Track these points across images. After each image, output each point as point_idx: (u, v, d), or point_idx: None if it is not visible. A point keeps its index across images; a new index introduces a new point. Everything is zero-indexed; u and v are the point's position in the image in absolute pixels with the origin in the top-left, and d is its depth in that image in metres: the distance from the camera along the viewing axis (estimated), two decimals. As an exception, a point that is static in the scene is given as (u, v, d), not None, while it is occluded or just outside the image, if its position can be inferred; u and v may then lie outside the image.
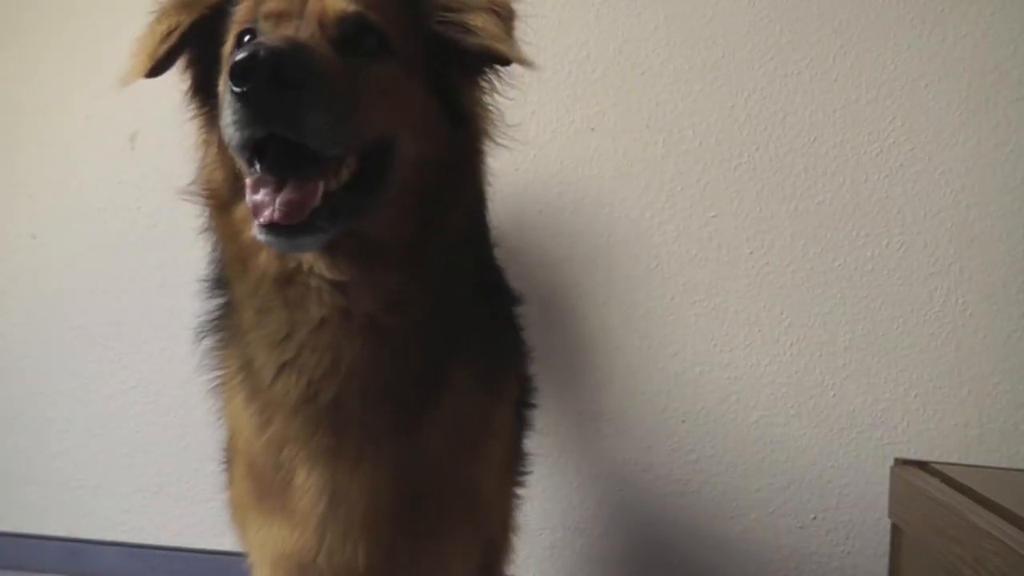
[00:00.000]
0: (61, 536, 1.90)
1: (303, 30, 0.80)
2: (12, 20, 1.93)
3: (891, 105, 1.60)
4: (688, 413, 1.67)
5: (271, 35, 0.79)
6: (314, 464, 0.90)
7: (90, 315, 1.89)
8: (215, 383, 1.03)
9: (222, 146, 0.87)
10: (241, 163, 0.81)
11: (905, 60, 1.59)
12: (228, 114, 0.73)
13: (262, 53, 0.69)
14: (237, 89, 0.70)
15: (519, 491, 1.18)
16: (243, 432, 0.98)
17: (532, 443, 1.22)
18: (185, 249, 1.08)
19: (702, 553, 1.66)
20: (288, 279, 0.85)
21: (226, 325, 0.99)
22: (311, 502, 0.90)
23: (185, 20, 0.89)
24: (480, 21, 0.87)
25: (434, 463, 0.93)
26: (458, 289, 0.94)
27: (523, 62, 0.88)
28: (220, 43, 0.90)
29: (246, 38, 0.85)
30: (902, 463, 1.36)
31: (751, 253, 1.64)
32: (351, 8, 0.82)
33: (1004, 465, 1.54)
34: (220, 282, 0.98)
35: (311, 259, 0.84)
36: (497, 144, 0.96)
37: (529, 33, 0.92)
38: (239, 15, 0.87)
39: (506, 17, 0.89)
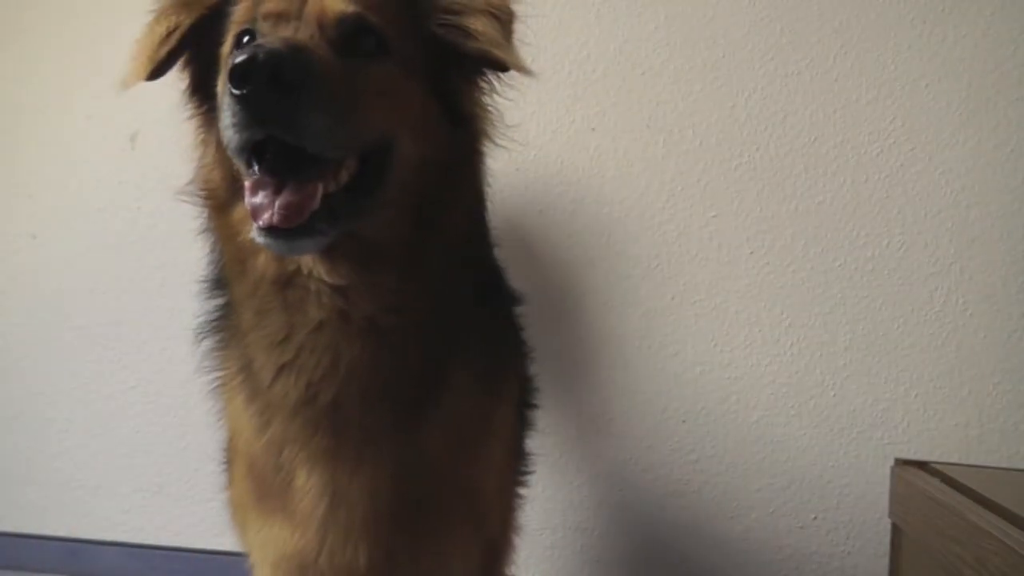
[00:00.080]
0: (61, 536, 1.90)
1: (302, 31, 0.80)
2: (12, 20, 1.93)
3: (891, 105, 1.60)
4: (688, 413, 1.67)
5: (270, 37, 0.78)
6: (314, 465, 0.90)
7: (90, 315, 1.89)
8: (215, 384, 1.03)
9: (220, 146, 0.87)
10: (240, 165, 0.80)
11: (905, 60, 1.59)
12: (227, 116, 0.73)
13: (261, 56, 0.68)
14: (236, 91, 0.70)
15: (521, 491, 1.18)
16: (243, 433, 0.98)
17: (533, 443, 1.22)
18: (185, 249, 1.08)
19: (702, 553, 1.66)
20: (287, 281, 0.85)
21: (226, 326, 0.99)
22: (311, 503, 0.90)
23: (185, 21, 0.88)
24: (479, 25, 0.87)
25: (434, 463, 0.93)
26: (458, 289, 0.93)
27: (522, 70, 0.88)
28: (218, 43, 0.89)
29: (245, 39, 0.85)
30: (902, 463, 1.36)
31: (751, 253, 1.64)
32: (350, 9, 0.82)
33: (1004, 465, 1.54)
34: (219, 283, 0.98)
35: (310, 262, 0.84)
36: (497, 145, 0.96)
37: (529, 33, 0.92)
38: (238, 15, 0.87)
39: (505, 21, 0.89)
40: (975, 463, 1.53)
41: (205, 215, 0.94)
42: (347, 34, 0.82)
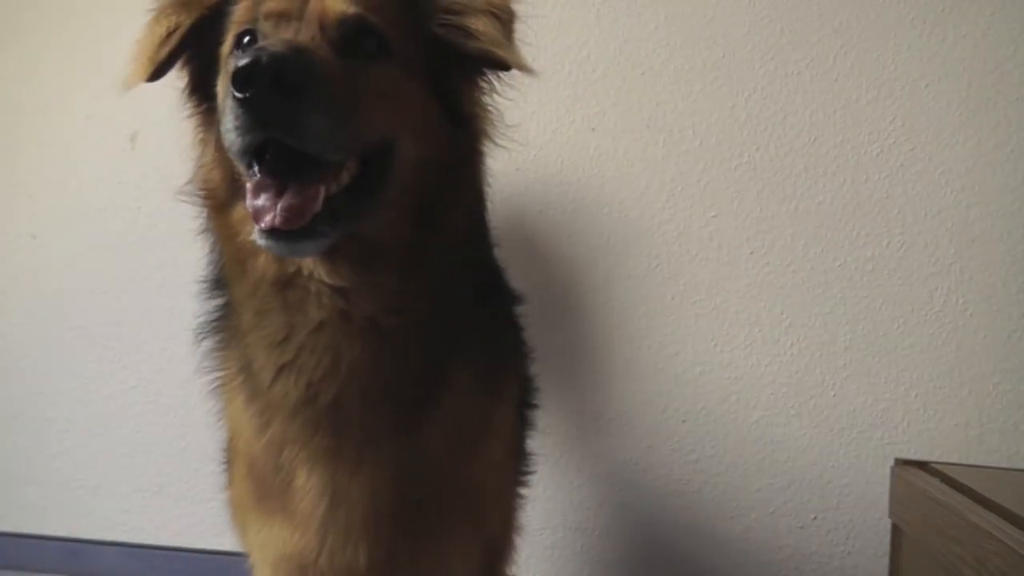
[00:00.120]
0: (61, 536, 1.90)
1: (303, 32, 0.80)
2: (12, 20, 1.93)
3: (891, 105, 1.60)
4: (688, 413, 1.67)
5: (272, 39, 0.78)
6: (314, 465, 0.90)
7: (90, 315, 1.89)
8: (215, 384, 1.03)
9: (220, 146, 0.87)
10: (241, 167, 0.80)
11: (905, 60, 1.59)
12: (229, 119, 0.73)
13: (264, 59, 0.68)
14: (239, 95, 0.69)
15: (522, 491, 1.17)
16: (243, 433, 0.98)
17: (533, 443, 1.22)
18: (185, 249, 1.08)
19: (702, 553, 1.66)
20: (287, 282, 0.85)
21: (226, 326, 0.99)
22: (312, 503, 0.90)
23: (185, 21, 0.88)
24: (481, 25, 0.87)
25: (434, 463, 0.93)
26: (458, 290, 0.93)
27: (523, 68, 0.88)
28: (218, 43, 0.89)
29: (245, 39, 0.84)
30: (902, 463, 1.36)
31: (751, 253, 1.64)
32: (351, 10, 0.82)
33: (1004, 465, 1.54)
34: (219, 283, 0.98)
35: (311, 263, 0.83)
36: (497, 145, 0.96)
37: (529, 33, 0.92)
38: (238, 15, 0.87)
39: (506, 20, 0.89)
40: (975, 463, 1.53)
41: (204, 215, 0.94)
42: (348, 35, 0.82)
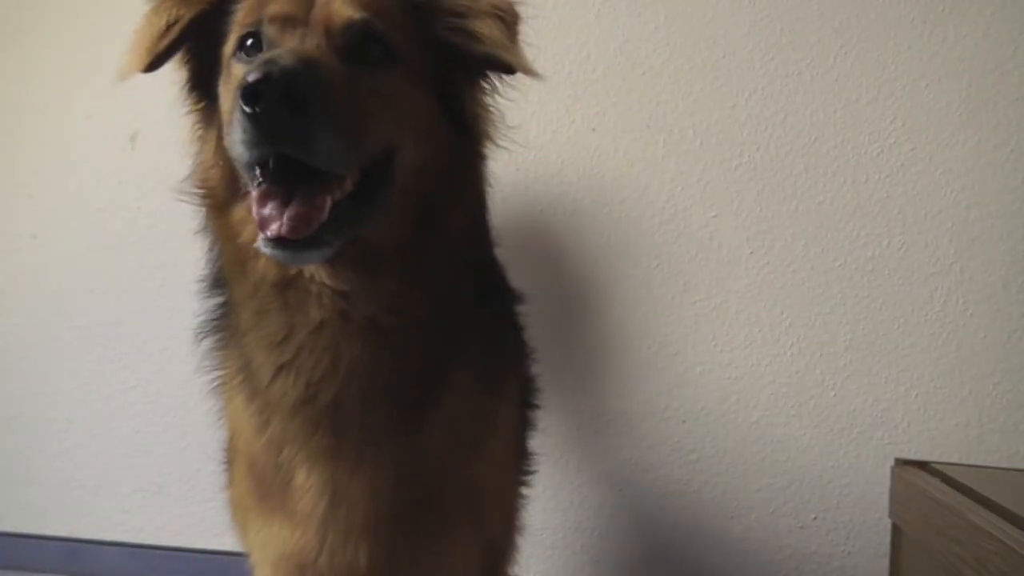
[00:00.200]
0: (61, 536, 1.90)
1: (309, 39, 0.79)
2: (12, 20, 1.93)
3: (892, 105, 1.60)
4: (689, 413, 1.67)
5: (280, 48, 0.77)
6: (314, 464, 0.90)
7: (90, 315, 1.89)
8: (215, 383, 1.03)
9: (220, 145, 0.87)
10: (246, 176, 0.80)
11: (906, 60, 1.59)
12: (238, 132, 0.72)
13: (275, 74, 0.68)
14: (248, 110, 0.69)
15: (524, 490, 1.17)
16: (243, 433, 0.98)
17: (534, 443, 1.22)
18: (185, 249, 1.08)
19: (703, 553, 1.66)
20: (288, 283, 0.85)
21: (225, 325, 0.98)
22: (311, 502, 0.90)
23: (185, 15, 0.87)
24: (486, 28, 0.87)
25: (435, 463, 0.93)
26: (458, 290, 0.93)
27: (529, 72, 0.88)
28: (219, 39, 0.89)
29: (248, 42, 0.84)
30: (902, 463, 1.36)
31: (751, 253, 1.64)
32: (358, 15, 0.81)
33: (1004, 465, 1.54)
34: (218, 281, 0.98)
35: (312, 267, 0.83)
36: (498, 146, 0.96)
37: (530, 33, 0.92)
38: (241, 16, 0.86)
39: (511, 23, 0.89)
40: (975, 463, 1.53)
41: (203, 214, 0.93)
42: (354, 41, 0.81)
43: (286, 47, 0.78)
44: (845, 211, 1.62)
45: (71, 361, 1.90)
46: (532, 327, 1.16)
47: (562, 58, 1.69)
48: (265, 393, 0.90)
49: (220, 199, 0.89)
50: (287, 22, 0.81)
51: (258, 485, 0.96)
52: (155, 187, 1.83)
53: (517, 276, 1.12)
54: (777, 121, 1.63)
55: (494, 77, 0.94)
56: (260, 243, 0.75)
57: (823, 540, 1.62)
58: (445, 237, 0.89)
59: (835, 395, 1.62)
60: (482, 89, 0.94)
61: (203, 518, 1.83)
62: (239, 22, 0.86)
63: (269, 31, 0.82)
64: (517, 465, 1.15)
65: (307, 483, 0.90)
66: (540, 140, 1.69)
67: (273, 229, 0.73)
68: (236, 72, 0.84)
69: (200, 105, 0.94)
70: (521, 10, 0.91)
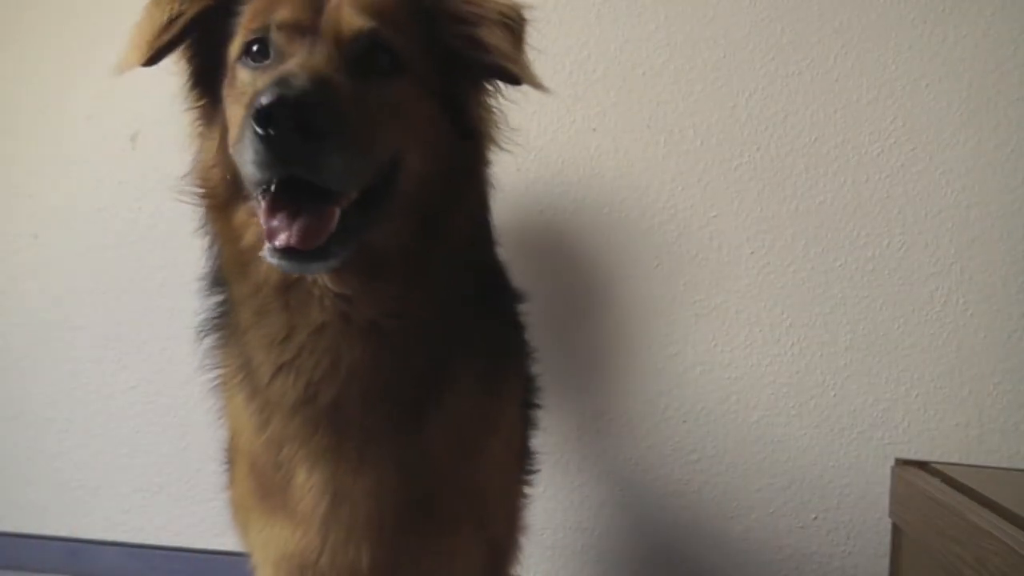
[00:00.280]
0: (61, 536, 1.90)
1: (319, 50, 0.79)
2: (12, 20, 1.92)
3: (892, 105, 1.60)
4: (689, 413, 1.67)
5: (292, 64, 0.76)
6: (314, 464, 0.90)
7: (90, 315, 1.89)
8: (215, 382, 1.03)
9: (222, 145, 0.87)
10: (253, 191, 0.79)
11: (906, 60, 1.59)
12: (249, 152, 0.71)
13: (291, 97, 0.68)
14: (261, 132, 0.69)
15: (527, 490, 1.17)
16: (244, 432, 0.98)
17: (536, 442, 1.22)
18: (185, 249, 1.08)
19: (703, 553, 1.66)
20: (290, 286, 0.85)
21: (225, 323, 0.98)
22: (312, 502, 0.90)
23: (189, 10, 0.86)
24: (494, 39, 0.87)
25: (436, 464, 0.93)
26: (460, 291, 0.93)
27: (537, 86, 0.88)
28: (223, 38, 0.88)
29: (255, 47, 0.83)
30: (903, 463, 1.36)
31: (752, 253, 1.64)
32: (367, 25, 0.81)
33: (1004, 465, 1.54)
34: (218, 279, 0.97)
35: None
36: (502, 150, 0.96)
37: (531, 34, 0.92)
38: (248, 18, 0.85)
39: (518, 30, 0.89)
40: (975, 463, 1.53)
41: (203, 213, 0.93)
42: (362, 50, 0.81)
43: (296, 60, 0.77)
44: (845, 211, 1.62)
45: (71, 361, 1.90)
46: (532, 327, 1.16)
47: (562, 58, 1.69)
48: (265, 392, 0.90)
49: (221, 199, 0.89)
50: (295, 30, 0.81)
51: (259, 485, 0.96)
52: (155, 187, 1.82)
53: (517, 276, 1.12)
54: (777, 121, 1.63)
55: (500, 84, 0.94)
56: (266, 253, 0.75)
57: (823, 540, 1.62)
58: (447, 240, 0.89)
59: (835, 395, 1.62)
60: (486, 91, 0.94)
61: (203, 518, 1.83)
62: (245, 25, 0.85)
63: (277, 39, 0.81)
64: (519, 465, 1.15)
65: (308, 483, 0.90)
66: (540, 140, 1.69)
67: (282, 239, 0.73)
68: (242, 77, 0.84)
69: (201, 102, 0.93)
70: (528, 14, 0.91)
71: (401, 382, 0.89)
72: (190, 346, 1.02)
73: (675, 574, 1.67)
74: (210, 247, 0.96)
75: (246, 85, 0.83)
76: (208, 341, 1.01)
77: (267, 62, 0.82)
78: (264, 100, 0.68)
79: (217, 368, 1.01)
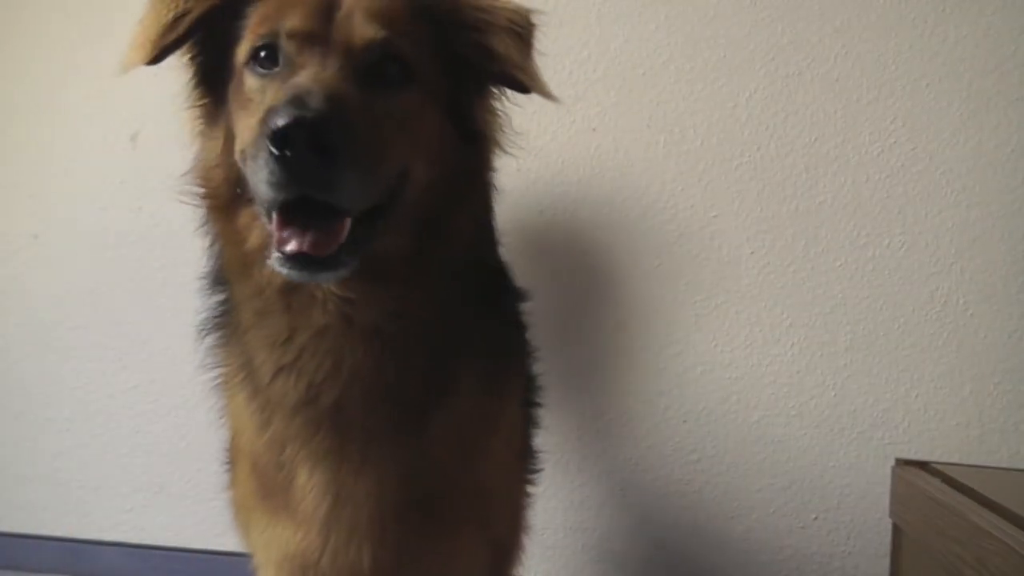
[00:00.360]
0: (62, 536, 1.90)
1: (330, 62, 0.78)
2: (12, 19, 1.92)
3: (892, 105, 1.60)
4: (689, 413, 1.67)
5: (306, 80, 0.76)
6: (316, 464, 0.90)
7: (90, 315, 1.88)
8: (216, 381, 1.02)
9: (227, 147, 0.86)
10: (263, 208, 0.79)
11: (906, 60, 1.59)
12: (262, 172, 0.72)
13: (309, 119, 0.68)
14: (276, 152, 0.69)
15: (529, 489, 1.17)
16: (246, 431, 0.98)
17: (537, 442, 1.22)
18: (186, 249, 1.08)
19: (703, 553, 1.66)
20: (293, 288, 0.85)
21: (227, 322, 0.98)
22: (314, 502, 0.90)
23: (195, 9, 0.85)
24: (503, 47, 0.86)
25: (439, 464, 0.93)
26: (462, 293, 0.93)
27: (546, 95, 0.88)
28: (229, 39, 0.87)
29: (263, 53, 0.82)
30: (903, 463, 1.36)
31: (752, 253, 1.64)
32: (379, 35, 0.80)
33: (1005, 465, 1.54)
34: (220, 278, 0.97)
35: None
36: (507, 153, 0.96)
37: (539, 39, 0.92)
38: (256, 22, 0.84)
39: (526, 37, 0.89)
40: (976, 463, 1.53)
41: (205, 214, 0.93)
42: (373, 61, 0.81)
43: (309, 74, 0.77)
44: (845, 211, 1.62)
45: (71, 361, 1.90)
46: (533, 327, 1.16)
47: (562, 58, 1.69)
48: (266, 392, 0.90)
49: (223, 200, 0.88)
50: (306, 39, 0.80)
51: (261, 485, 0.96)
52: (156, 187, 1.81)
53: (517, 276, 1.12)
54: (778, 121, 1.63)
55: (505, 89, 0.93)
56: (275, 262, 0.75)
57: (824, 540, 1.62)
58: (450, 243, 0.89)
59: (836, 395, 1.62)
60: (491, 95, 0.94)
61: (204, 518, 1.83)
62: (253, 30, 0.84)
63: (287, 47, 0.81)
64: (521, 464, 1.15)
65: (309, 483, 0.90)
66: (540, 140, 1.69)
67: (293, 245, 0.74)
68: (250, 84, 0.83)
69: (204, 101, 0.92)
70: (536, 19, 0.91)
71: (403, 383, 0.89)
72: (190, 346, 1.02)
73: (675, 574, 1.67)
74: (211, 247, 0.96)
75: (254, 92, 0.82)
76: (209, 340, 1.01)
77: (276, 69, 0.81)
78: (280, 121, 0.68)
79: (218, 367, 1.01)
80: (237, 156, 0.82)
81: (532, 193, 1.70)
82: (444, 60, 0.87)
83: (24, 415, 1.92)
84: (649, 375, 1.68)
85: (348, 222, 0.75)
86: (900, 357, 1.60)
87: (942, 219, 1.59)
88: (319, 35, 0.80)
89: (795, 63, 1.63)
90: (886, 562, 1.39)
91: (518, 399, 1.11)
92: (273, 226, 0.76)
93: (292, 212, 0.74)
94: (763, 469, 1.64)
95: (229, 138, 0.86)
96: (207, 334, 1.00)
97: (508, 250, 1.08)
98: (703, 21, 1.65)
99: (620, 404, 1.69)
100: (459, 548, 0.97)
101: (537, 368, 1.21)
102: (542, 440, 1.26)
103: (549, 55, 1.67)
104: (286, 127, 0.67)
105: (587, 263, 1.71)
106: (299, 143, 0.68)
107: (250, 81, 0.83)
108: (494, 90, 0.94)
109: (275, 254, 0.75)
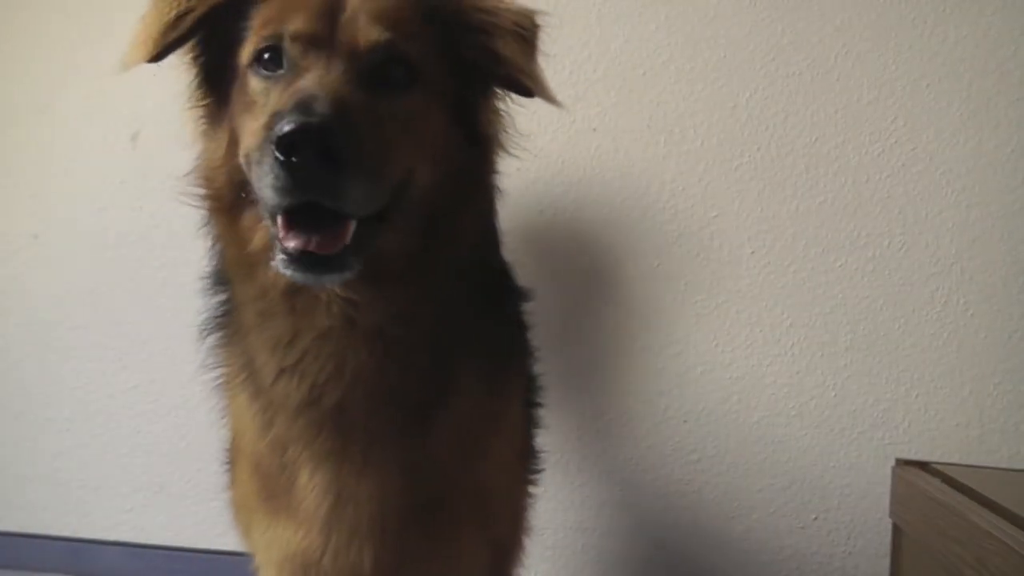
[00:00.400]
0: (62, 536, 1.90)
1: (334, 65, 0.78)
2: (12, 19, 1.92)
3: (892, 105, 1.60)
4: (690, 413, 1.67)
5: (311, 85, 0.75)
6: (318, 465, 0.90)
7: (90, 315, 1.88)
8: (218, 381, 1.02)
9: (230, 148, 0.86)
10: (268, 213, 0.79)
11: (906, 60, 1.59)
12: (268, 178, 0.72)
13: (315, 125, 0.68)
14: (283, 158, 0.69)
15: (531, 489, 1.17)
16: (247, 432, 0.97)
17: (539, 442, 1.22)
18: (187, 249, 1.08)
19: (703, 553, 1.66)
20: (298, 290, 0.84)
21: (228, 322, 0.98)
22: (315, 503, 0.90)
23: (198, 7, 0.85)
24: (508, 51, 0.86)
25: (441, 465, 0.93)
26: (465, 294, 0.93)
27: (551, 100, 0.88)
28: (232, 39, 0.86)
29: (267, 55, 0.82)
30: (903, 463, 1.36)
31: (752, 253, 1.64)
32: (384, 37, 0.80)
33: (1005, 465, 1.54)
34: (222, 278, 0.97)
35: None
36: (510, 154, 0.96)
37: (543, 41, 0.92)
38: (259, 24, 0.84)
39: (531, 40, 0.89)
40: (976, 463, 1.53)
41: (208, 215, 0.92)
42: (378, 63, 0.81)
43: (314, 78, 0.77)
44: (845, 211, 1.62)
45: (71, 361, 1.90)
46: (533, 327, 1.16)
47: (562, 58, 1.69)
48: (268, 393, 0.90)
49: (226, 202, 0.88)
50: (310, 42, 0.80)
51: (263, 486, 0.96)
52: (156, 187, 1.82)
53: (518, 276, 1.12)
54: (778, 121, 1.63)
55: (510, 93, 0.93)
56: (280, 264, 0.75)
57: (824, 540, 1.62)
58: (453, 244, 0.89)
59: (836, 395, 1.62)
60: (495, 96, 0.94)
61: (204, 518, 1.83)
62: (256, 31, 0.84)
63: (291, 50, 0.80)
64: (523, 464, 1.15)
65: (311, 484, 0.90)
66: (540, 140, 1.69)
67: (298, 244, 0.74)
68: (254, 86, 0.83)
69: (206, 101, 0.92)
70: (541, 22, 0.91)
71: (405, 385, 0.89)
72: (191, 346, 1.02)
73: (675, 574, 1.67)
74: (213, 247, 0.96)
75: (258, 94, 0.82)
76: (210, 340, 1.01)
77: (280, 72, 0.81)
78: (287, 128, 0.67)
79: (219, 367, 1.01)
80: (241, 158, 0.82)
81: (532, 193, 1.70)
82: (449, 62, 0.87)
83: (24, 415, 1.93)
84: (649, 375, 1.68)
85: (352, 224, 0.76)
86: (900, 357, 1.60)
87: (942, 219, 1.59)
88: (323, 37, 0.80)
89: (795, 63, 1.63)
90: (886, 562, 1.39)
91: (520, 399, 1.11)
92: (277, 229, 0.76)
93: (297, 216, 0.74)
94: (763, 469, 1.64)
95: (232, 139, 0.86)
96: (208, 334, 1.00)
97: (508, 250, 1.08)
98: (703, 21, 1.65)
99: (620, 404, 1.69)
100: (460, 548, 0.97)
101: (537, 368, 1.21)
102: (542, 440, 1.26)
103: (549, 55, 1.68)
104: (292, 133, 0.67)
105: (587, 263, 1.71)
106: (305, 149, 0.68)
107: (254, 83, 0.83)
108: (498, 91, 0.94)
109: (280, 256, 0.75)
